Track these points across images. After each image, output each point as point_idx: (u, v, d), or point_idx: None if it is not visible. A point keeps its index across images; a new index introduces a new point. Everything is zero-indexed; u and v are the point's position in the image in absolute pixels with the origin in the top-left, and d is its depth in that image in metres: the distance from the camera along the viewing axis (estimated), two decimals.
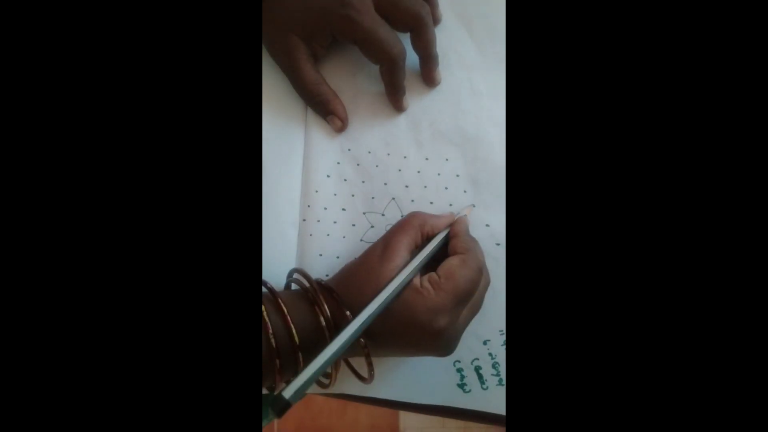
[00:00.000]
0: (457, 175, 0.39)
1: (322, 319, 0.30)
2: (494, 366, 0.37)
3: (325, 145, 0.40)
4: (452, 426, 1.37)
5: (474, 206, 0.39)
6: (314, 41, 0.38)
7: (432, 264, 0.33)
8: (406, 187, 0.39)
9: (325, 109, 0.40)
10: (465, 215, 0.37)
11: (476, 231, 0.38)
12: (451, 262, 0.32)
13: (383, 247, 0.33)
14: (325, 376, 0.33)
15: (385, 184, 0.39)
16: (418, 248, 0.34)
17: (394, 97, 0.40)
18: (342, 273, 0.34)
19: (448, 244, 0.34)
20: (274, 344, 0.29)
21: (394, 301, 0.30)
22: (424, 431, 1.36)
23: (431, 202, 0.39)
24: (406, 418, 1.36)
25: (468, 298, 0.32)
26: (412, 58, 0.40)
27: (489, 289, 0.37)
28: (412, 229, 0.34)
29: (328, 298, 0.31)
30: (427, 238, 0.34)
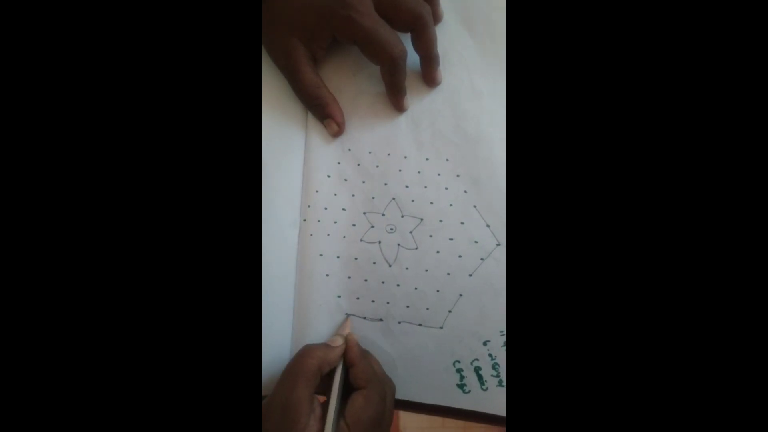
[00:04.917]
0: (458, 175, 0.39)
1: None
2: (494, 367, 0.37)
3: (325, 145, 0.40)
4: (452, 426, 1.37)
5: (351, 315, 0.38)
6: (314, 43, 0.38)
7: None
8: (407, 187, 0.39)
9: (322, 112, 0.40)
10: (350, 333, 0.36)
11: (477, 231, 0.38)
12: (356, 403, 0.32)
13: (283, 409, 0.30)
14: None
15: (386, 184, 0.39)
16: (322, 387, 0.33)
17: (395, 98, 0.40)
18: None
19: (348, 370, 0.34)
20: None
21: None
22: (424, 431, 1.36)
23: (431, 202, 0.39)
24: (406, 418, 1.36)
25: (378, 427, 0.32)
26: (412, 58, 0.40)
27: (489, 290, 0.37)
28: (312, 376, 0.32)
29: None
30: (327, 375, 0.34)
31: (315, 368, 0.32)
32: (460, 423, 1.33)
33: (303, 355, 0.33)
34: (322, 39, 0.38)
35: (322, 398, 0.33)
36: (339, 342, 0.35)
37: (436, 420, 1.36)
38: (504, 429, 0.30)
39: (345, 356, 0.35)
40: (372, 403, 0.32)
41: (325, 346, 0.34)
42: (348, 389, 0.34)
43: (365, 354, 0.36)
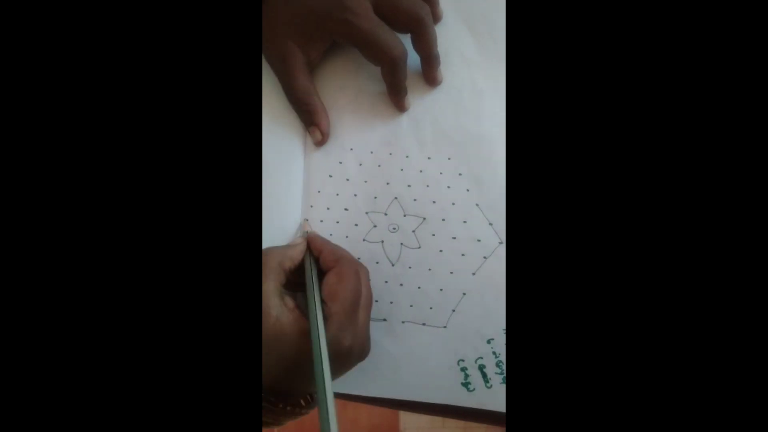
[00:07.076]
0: (460, 174, 0.40)
1: None
2: (498, 365, 0.37)
3: (327, 145, 0.40)
4: (452, 426, 1.37)
5: (307, 220, 0.39)
6: (312, 47, 0.38)
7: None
8: (409, 186, 0.39)
9: (309, 119, 0.39)
10: (310, 230, 0.37)
11: (479, 229, 0.38)
12: (329, 281, 0.32)
13: None
14: None
15: (388, 183, 0.39)
16: (290, 284, 0.33)
17: (396, 97, 0.40)
18: None
19: (318, 260, 0.35)
20: None
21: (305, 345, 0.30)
22: (424, 431, 1.36)
23: (434, 201, 0.39)
24: (406, 418, 1.36)
25: (357, 304, 0.32)
26: (413, 57, 0.40)
27: (493, 288, 0.37)
28: (274, 270, 0.32)
29: None
30: (294, 271, 0.34)
31: (275, 263, 0.32)
32: (461, 423, 1.33)
33: (263, 254, 0.33)
34: (320, 43, 0.38)
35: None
36: (298, 241, 0.35)
37: (437, 420, 1.36)
38: (504, 429, 0.30)
39: (310, 248, 0.35)
40: (345, 277, 0.32)
41: (285, 245, 0.35)
42: (321, 276, 0.34)
43: (328, 241, 0.36)
